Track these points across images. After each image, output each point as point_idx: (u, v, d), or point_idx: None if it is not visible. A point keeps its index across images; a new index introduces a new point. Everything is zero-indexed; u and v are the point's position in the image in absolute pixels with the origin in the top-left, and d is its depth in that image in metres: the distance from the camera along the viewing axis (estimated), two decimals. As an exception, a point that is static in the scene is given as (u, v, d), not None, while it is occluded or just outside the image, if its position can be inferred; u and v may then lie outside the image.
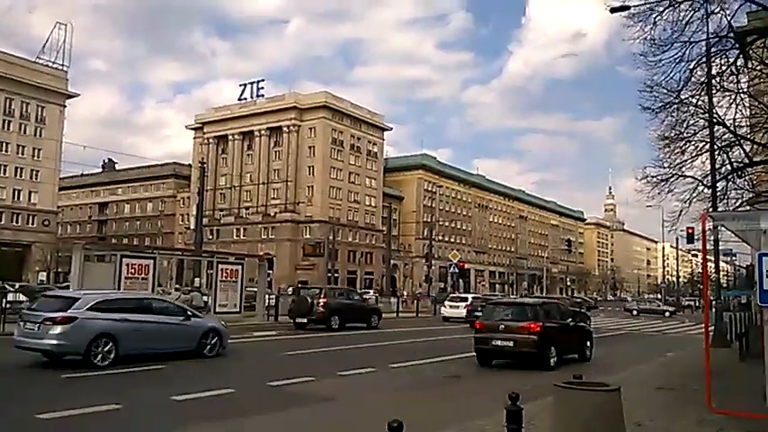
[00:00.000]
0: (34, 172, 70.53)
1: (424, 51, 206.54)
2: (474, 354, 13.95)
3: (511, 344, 13.44)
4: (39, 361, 11.86)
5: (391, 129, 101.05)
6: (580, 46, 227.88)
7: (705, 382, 7.21)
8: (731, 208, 14.31)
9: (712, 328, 19.64)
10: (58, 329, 11.26)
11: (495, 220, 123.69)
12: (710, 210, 14.51)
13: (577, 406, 4.20)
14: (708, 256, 25.97)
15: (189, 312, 14.05)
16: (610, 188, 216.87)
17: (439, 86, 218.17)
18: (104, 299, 12.54)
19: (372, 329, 23.85)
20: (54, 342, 11.31)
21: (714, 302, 22.13)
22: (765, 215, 7.01)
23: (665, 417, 7.48)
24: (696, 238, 31.00)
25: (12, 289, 26.32)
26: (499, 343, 13.59)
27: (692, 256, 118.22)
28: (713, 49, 12.22)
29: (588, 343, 15.98)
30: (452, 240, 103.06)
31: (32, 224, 70.42)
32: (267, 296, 28.77)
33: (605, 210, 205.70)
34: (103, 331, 11.66)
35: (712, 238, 17.77)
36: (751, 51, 12.35)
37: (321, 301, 22.83)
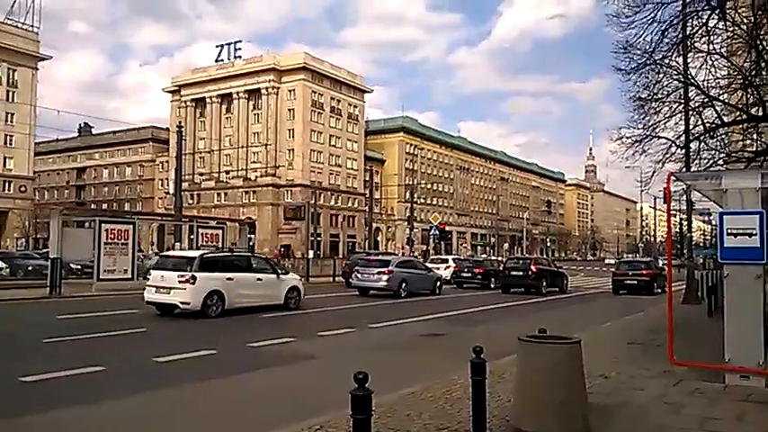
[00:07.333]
0: (8, 137, 69.12)
1: (414, 12, 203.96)
2: (454, 313, 16.99)
3: (635, 281, 26.03)
4: (355, 294, 21.70)
5: (371, 91, 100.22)
6: (570, 7, 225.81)
7: (668, 336, 7.51)
8: (703, 168, 14.55)
9: (685, 286, 20.15)
10: (385, 277, 21.28)
11: (477, 183, 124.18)
12: (683, 170, 14.76)
13: (539, 358, 4.40)
14: (683, 216, 26.44)
15: (428, 266, 26.35)
16: (590, 149, 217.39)
17: (427, 48, 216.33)
18: (400, 261, 23.89)
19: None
20: (384, 284, 21.25)
21: (687, 260, 22.63)
22: (727, 175, 7.20)
23: (629, 369, 7.81)
24: (673, 198, 31.54)
25: (-10, 256, 26.07)
26: (628, 281, 26.36)
27: (672, 216, 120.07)
28: (687, 9, 12.29)
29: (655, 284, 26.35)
30: (434, 203, 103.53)
31: (9, 190, 69.34)
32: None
33: (586, 171, 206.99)
34: (403, 279, 21.66)
35: (684, 197, 18.10)
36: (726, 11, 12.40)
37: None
